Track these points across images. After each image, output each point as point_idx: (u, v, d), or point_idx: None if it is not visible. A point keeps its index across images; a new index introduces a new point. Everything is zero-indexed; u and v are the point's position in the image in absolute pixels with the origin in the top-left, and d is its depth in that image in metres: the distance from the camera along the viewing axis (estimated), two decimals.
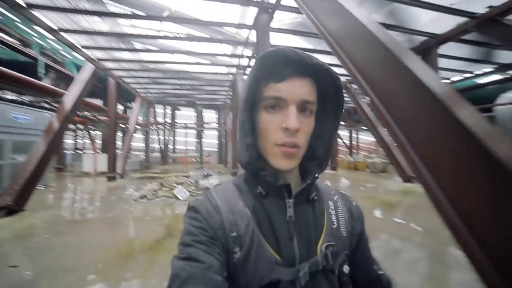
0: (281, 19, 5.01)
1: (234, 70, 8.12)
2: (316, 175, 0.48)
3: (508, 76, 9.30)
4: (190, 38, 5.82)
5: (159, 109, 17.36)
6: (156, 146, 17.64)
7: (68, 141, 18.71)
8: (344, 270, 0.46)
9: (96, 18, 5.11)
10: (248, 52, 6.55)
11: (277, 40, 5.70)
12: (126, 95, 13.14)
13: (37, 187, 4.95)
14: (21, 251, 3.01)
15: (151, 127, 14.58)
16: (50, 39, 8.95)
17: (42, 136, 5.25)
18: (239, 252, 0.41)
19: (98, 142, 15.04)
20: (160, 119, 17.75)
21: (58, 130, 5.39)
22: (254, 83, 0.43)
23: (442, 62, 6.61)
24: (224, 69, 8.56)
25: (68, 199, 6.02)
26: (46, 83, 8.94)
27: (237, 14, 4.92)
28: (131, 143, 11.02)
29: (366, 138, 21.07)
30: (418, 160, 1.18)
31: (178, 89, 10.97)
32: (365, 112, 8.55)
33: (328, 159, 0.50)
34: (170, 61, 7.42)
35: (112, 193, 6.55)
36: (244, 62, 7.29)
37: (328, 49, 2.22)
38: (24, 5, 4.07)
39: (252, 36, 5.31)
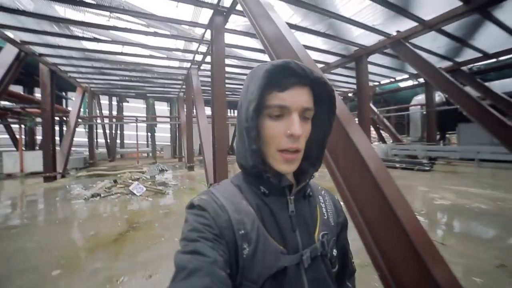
0: (235, 21, 5.33)
1: (188, 64, 8.12)
2: (312, 174, 0.53)
3: (418, 82, 11.83)
4: (146, 32, 5.66)
5: (104, 101, 15.75)
6: (102, 141, 16.00)
7: None
8: (334, 253, 0.53)
9: None
10: (203, 48, 6.70)
11: (231, 39, 6.02)
12: (61, 84, 11.58)
13: None
14: None
15: (95, 120, 13.19)
16: None
17: None
18: (247, 248, 0.44)
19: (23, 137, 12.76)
20: (105, 112, 16.14)
21: None
22: (260, 94, 0.45)
23: (373, 69, 8.13)
24: (178, 63, 8.45)
25: None
26: None
27: (190, 11, 5.03)
28: (73, 138, 9.89)
29: None
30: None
31: (128, 80, 10.24)
32: None
33: (322, 160, 0.54)
34: (120, 52, 6.91)
35: (55, 194, 5.96)
36: (199, 58, 7.41)
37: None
38: None
39: (208, 34, 5.50)
